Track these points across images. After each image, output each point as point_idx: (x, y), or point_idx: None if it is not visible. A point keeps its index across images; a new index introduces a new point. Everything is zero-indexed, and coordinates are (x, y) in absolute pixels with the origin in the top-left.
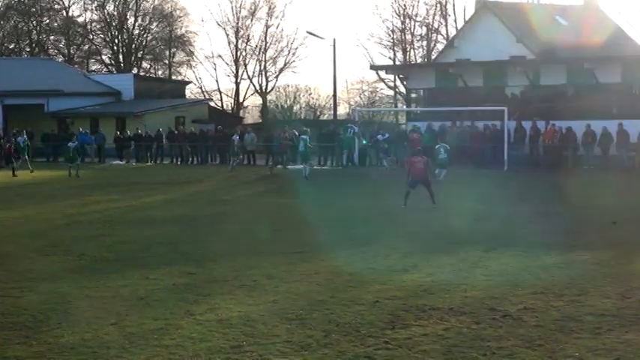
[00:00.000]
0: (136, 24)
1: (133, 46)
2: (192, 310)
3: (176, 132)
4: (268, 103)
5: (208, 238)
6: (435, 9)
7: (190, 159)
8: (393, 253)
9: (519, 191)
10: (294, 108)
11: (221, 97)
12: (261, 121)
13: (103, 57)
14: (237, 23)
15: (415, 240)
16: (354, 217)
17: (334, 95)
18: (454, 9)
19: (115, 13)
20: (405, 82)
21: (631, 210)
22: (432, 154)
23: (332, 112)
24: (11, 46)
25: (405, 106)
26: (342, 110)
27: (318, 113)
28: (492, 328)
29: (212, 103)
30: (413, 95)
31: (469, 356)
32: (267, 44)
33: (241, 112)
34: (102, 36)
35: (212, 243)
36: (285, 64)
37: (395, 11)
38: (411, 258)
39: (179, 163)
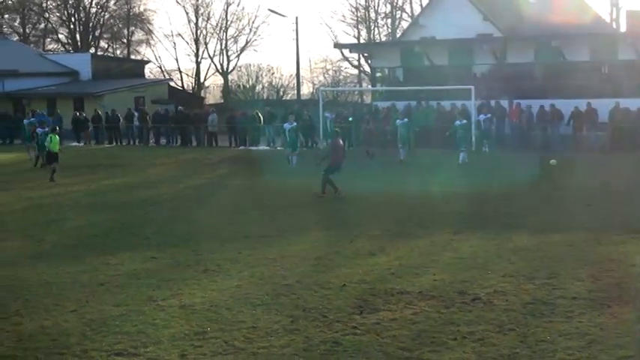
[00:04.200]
0: (93, 2)
1: (90, 24)
2: (154, 296)
3: (136, 112)
4: (230, 83)
5: (170, 222)
6: None
7: (151, 140)
8: (359, 237)
9: (487, 172)
10: (257, 88)
11: (181, 77)
12: (222, 101)
13: (60, 36)
14: (197, 1)
15: (381, 223)
16: (318, 201)
17: (297, 75)
18: None
19: None
20: (369, 61)
21: (604, 192)
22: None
23: (295, 91)
24: None
25: (370, 86)
26: (306, 90)
27: (281, 93)
28: (462, 313)
29: (172, 83)
30: (378, 74)
31: (439, 341)
32: (228, 22)
33: (202, 92)
34: (58, 14)
35: (174, 227)
36: (246, 43)
37: None
38: (377, 241)
39: (138, 144)
